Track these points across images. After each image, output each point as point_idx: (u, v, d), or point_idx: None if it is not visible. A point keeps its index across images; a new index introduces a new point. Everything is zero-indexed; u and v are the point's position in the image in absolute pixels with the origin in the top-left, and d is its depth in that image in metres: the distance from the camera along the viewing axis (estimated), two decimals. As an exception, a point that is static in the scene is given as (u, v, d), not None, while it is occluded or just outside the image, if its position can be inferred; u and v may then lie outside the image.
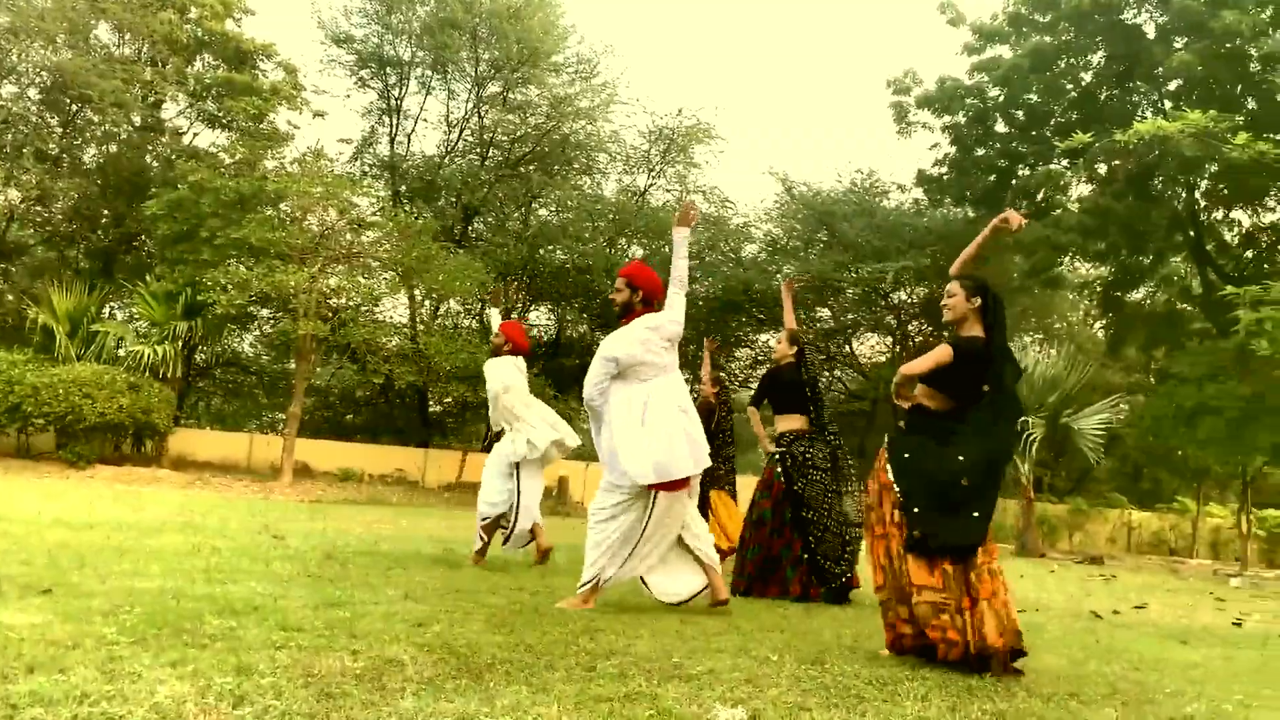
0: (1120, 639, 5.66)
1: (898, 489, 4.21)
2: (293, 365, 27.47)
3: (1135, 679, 4.17)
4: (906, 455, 4.27)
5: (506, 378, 7.07)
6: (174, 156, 23.36)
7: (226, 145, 23.34)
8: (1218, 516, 26.73)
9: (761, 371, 31.17)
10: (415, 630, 3.92)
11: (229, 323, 22.50)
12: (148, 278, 20.67)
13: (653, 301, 5.44)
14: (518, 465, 7.02)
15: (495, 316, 7.85)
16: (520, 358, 7.29)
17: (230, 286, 18.32)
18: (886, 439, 4.43)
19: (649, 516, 5.10)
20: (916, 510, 4.12)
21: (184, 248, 19.56)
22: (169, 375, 19.53)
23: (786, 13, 73.65)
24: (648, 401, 5.13)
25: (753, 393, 7.17)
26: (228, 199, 19.26)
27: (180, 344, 19.87)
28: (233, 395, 30.81)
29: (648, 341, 5.26)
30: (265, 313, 24.16)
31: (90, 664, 2.94)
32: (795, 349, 6.83)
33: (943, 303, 4.53)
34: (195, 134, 25.40)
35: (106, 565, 5.20)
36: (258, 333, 27.36)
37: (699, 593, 5.31)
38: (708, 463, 5.28)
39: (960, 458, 4.13)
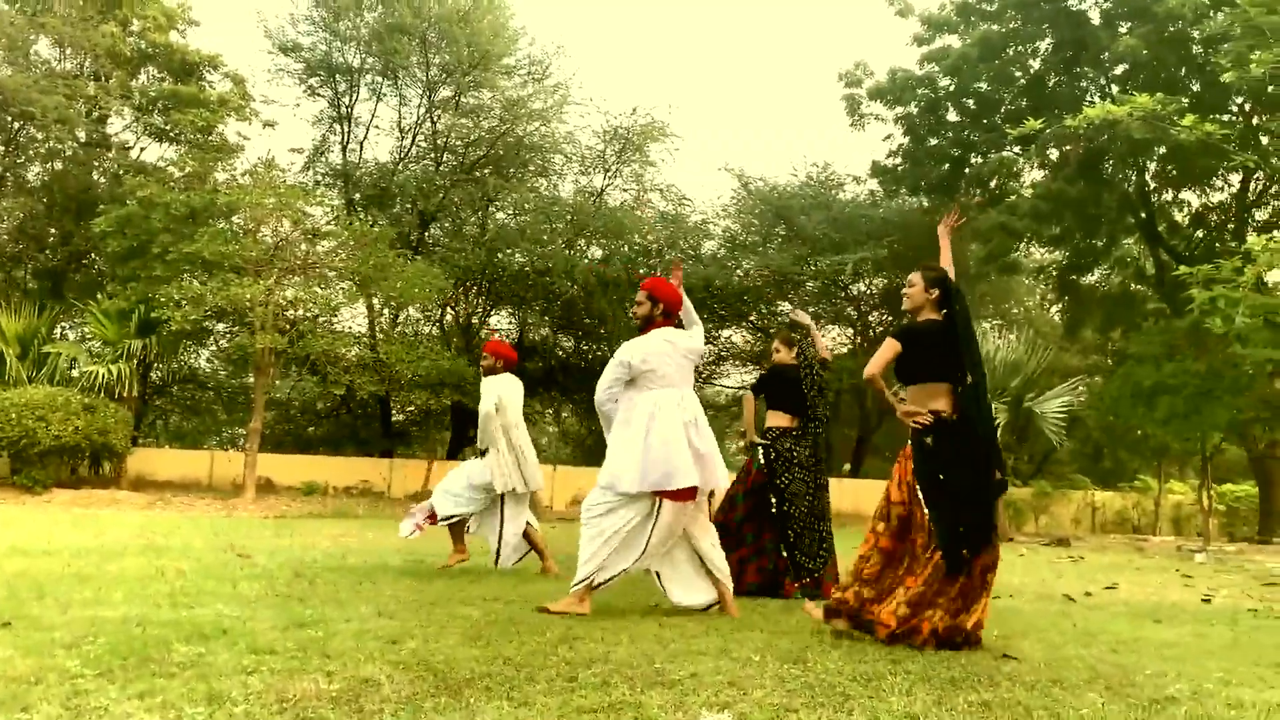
0: (1095, 621, 5.69)
1: (929, 508, 4.37)
2: (251, 379, 27.11)
3: (1114, 661, 4.18)
4: (941, 477, 4.37)
5: (503, 392, 6.97)
6: (121, 172, 22.93)
7: (175, 159, 22.95)
8: (1178, 493, 27.17)
9: (725, 368, 31.33)
10: (389, 647, 3.84)
11: (185, 339, 22.12)
12: (99, 296, 20.25)
13: (672, 314, 5.47)
14: (503, 495, 6.98)
15: None
16: (515, 377, 7.22)
17: (185, 302, 18.00)
18: (913, 445, 4.53)
19: (653, 526, 5.07)
20: (962, 530, 4.29)
21: (135, 264, 19.20)
22: (125, 395, 19.16)
23: (737, 8, 73.90)
24: (654, 412, 5.11)
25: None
26: (178, 213, 18.93)
27: (135, 362, 19.50)
28: (191, 412, 30.34)
29: (663, 353, 5.25)
30: (221, 327, 23.78)
31: (54, 700, 2.84)
32: (795, 350, 6.89)
33: (903, 291, 4.76)
34: (143, 148, 24.97)
35: (67, 594, 5.05)
36: (214, 348, 26.94)
37: (711, 605, 5.29)
38: (719, 483, 5.30)
39: (973, 460, 4.35)
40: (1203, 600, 7.41)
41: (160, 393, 27.80)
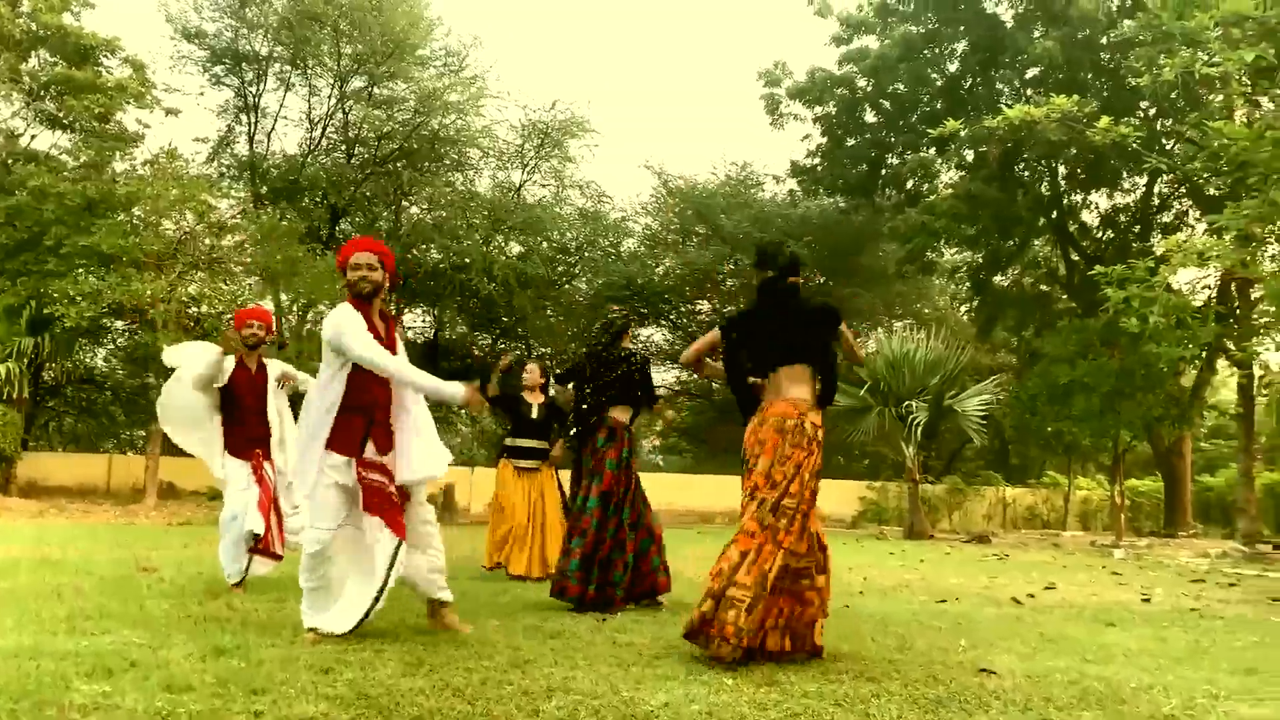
0: (1051, 626, 5.55)
1: None
2: (152, 379, 25.94)
3: (1095, 674, 4.00)
4: None
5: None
6: (10, 160, 21.66)
7: (70, 147, 21.79)
8: (1085, 489, 27.82)
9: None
10: (323, 679, 3.45)
11: (80, 337, 20.98)
12: (-15, 291, 19.07)
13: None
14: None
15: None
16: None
17: (80, 298, 17.05)
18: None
19: None
20: None
21: (26, 258, 18.12)
22: (14, 396, 18.09)
23: (658, 5, 73.79)
24: None
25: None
26: (73, 204, 17.92)
27: (26, 362, 18.42)
28: (87, 414, 28.92)
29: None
30: (120, 325, 22.67)
31: (-70, 762, 2.40)
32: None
33: None
34: (34, 136, 23.60)
35: (-51, 621, 4.52)
36: (112, 346, 25.72)
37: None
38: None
39: None
40: (1143, 600, 7.38)
41: (54, 394, 26.42)
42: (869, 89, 23.75)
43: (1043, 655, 4.47)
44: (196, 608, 5.16)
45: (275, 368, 6.38)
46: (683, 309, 28.54)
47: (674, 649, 4.27)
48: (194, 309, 19.24)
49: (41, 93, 21.98)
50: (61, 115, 21.75)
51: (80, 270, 17.58)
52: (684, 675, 3.65)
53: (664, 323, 28.90)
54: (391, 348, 4.53)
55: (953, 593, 7.33)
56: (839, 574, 8.55)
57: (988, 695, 3.49)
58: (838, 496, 24.68)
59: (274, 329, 6.27)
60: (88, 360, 26.10)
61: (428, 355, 26.70)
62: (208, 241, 19.44)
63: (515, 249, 26.00)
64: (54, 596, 5.43)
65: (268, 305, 22.92)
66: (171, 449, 16.65)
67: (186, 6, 24.27)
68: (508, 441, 7.81)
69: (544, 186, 27.14)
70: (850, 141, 24.60)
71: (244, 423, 6.21)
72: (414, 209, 26.40)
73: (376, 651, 4.00)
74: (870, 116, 24.51)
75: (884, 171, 24.32)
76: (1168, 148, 20.02)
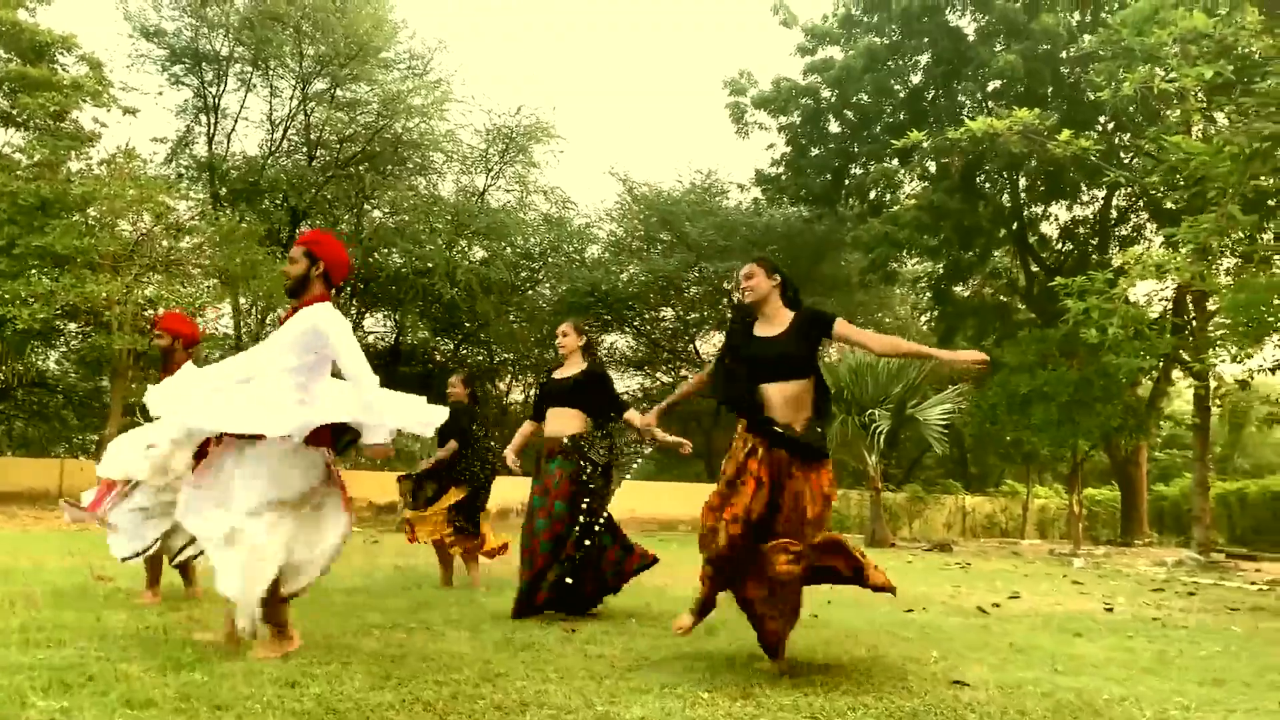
0: (1019, 635, 5.57)
1: None
2: (105, 383, 25.44)
3: (1067, 685, 4.00)
4: None
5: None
6: (-39, 158, 21.22)
7: (23, 145, 21.35)
8: (1042, 498, 28.16)
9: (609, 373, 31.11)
10: (289, 693, 3.37)
11: (32, 339, 20.55)
12: (-67, 291, 18.59)
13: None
14: None
15: None
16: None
17: (33, 299, 16.70)
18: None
19: None
20: None
21: (-24, 257, 17.72)
22: (-37, 399, 17.71)
23: (623, 11, 73.94)
24: None
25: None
26: (27, 204, 17.54)
27: (-25, 364, 18.05)
28: (38, 418, 28.34)
29: None
30: (73, 327, 22.25)
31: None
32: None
33: (744, 285, 4.39)
34: (-14, 133, 23.20)
35: (-105, 633, 4.36)
36: (64, 349, 25.22)
37: None
38: None
39: None
40: (1105, 609, 7.44)
41: (3, 397, 25.88)
42: (833, 99, 23.90)
43: (1013, 666, 4.47)
44: (154, 618, 5.03)
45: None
46: (646, 315, 28.52)
47: (645, 660, 4.22)
48: (150, 311, 18.92)
49: (-6, 90, 21.54)
50: (15, 113, 21.29)
51: (33, 271, 17.23)
52: (658, 689, 3.60)
53: (628, 329, 28.87)
54: None
55: (919, 602, 7.35)
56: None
57: (962, 708, 3.48)
58: (800, 504, 24.79)
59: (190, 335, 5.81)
60: (40, 363, 25.60)
61: (389, 360, 26.47)
62: (165, 243, 19.14)
63: (478, 254, 25.87)
64: (6, 607, 5.26)
65: (225, 308, 22.64)
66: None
67: (145, 4, 23.99)
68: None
69: (508, 191, 27.10)
70: (814, 151, 24.75)
71: None
72: (376, 212, 26.22)
73: (343, 664, 3.90)
74: (834, 126, 24.68)
75: (847, 181, 24.49)
76: (1126, 161, 20.32)
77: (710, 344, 30.51)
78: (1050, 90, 21.18)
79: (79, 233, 17.39)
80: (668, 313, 28.66)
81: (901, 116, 23.01)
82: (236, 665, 3.80)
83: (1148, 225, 22.96)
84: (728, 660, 4.32)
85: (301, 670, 3.72)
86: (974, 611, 6.86)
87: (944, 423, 17.43)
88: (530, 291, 27.96)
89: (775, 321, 4.29)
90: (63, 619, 4.87)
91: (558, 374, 6.11)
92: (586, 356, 6.09)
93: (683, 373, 30.79)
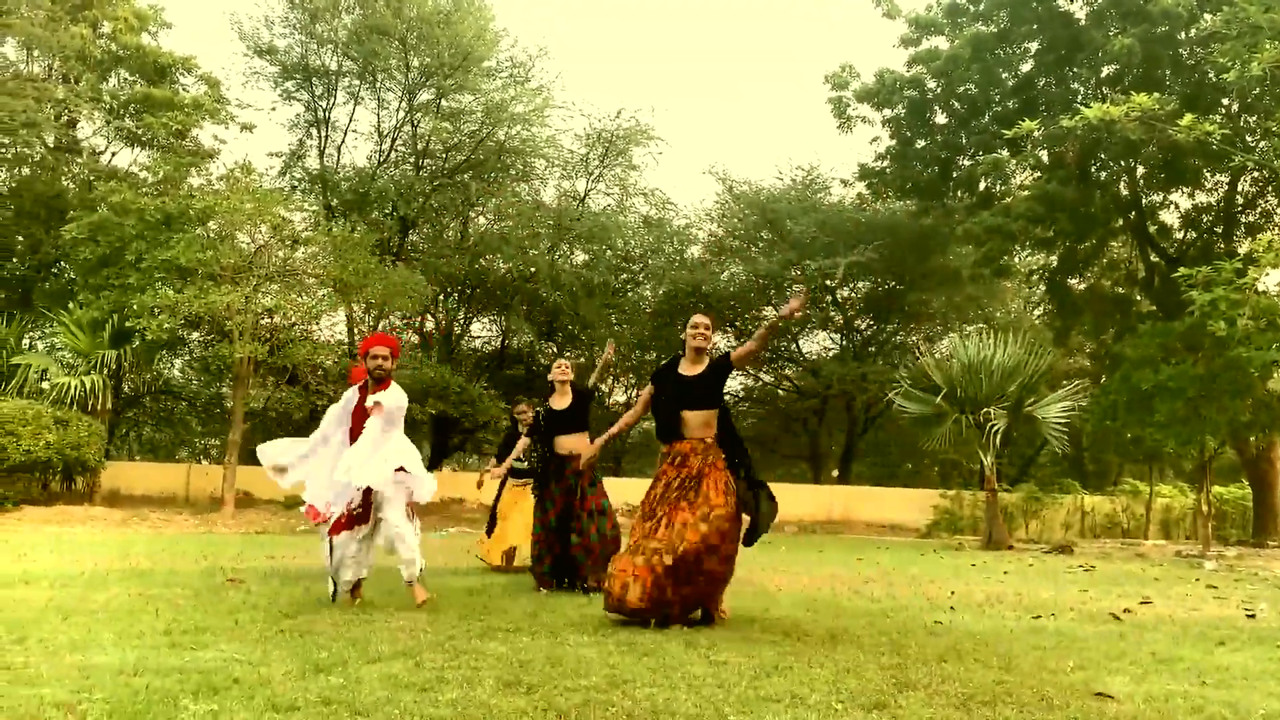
0: (1158, 644, 5.33)
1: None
2: (225, 389, 26.41)
3: (1217, 699, 3.81)
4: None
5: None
6: (92, 177, 22.28)
7: (148, 163, 22.32)
8: (1166, 496, 27.02)
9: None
10: (425, 697, 3.42)
11: (160, 349, 21.45)
12: (70, 305, 19.49)
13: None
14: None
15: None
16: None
17: (160, 311, 17.43)
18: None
19: None
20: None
21: (108, 272, 18.56)
22: (98, 407, 18.54)
23: (722, 10, 73.69)
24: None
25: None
26: (152, 219, 18.34)
27: (108, 373, 18.88)
28: (164, 424, 29.61)
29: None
30: (196, 336, 23.17)
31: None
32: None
33: (699, 333, 5.67)
34: (114, 153, 24.34)
35: (52, 635, 4.57)
36: (188, 357, 26.28)
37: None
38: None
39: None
40: (1247, 615, 7.08)
41: (132, 404, 27.09)
42: (939, 90, 23.37)
43: (1156, 677, 4.28)
44: (289, 622, 5.17)
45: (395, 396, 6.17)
46: (748, 315, 28.34)
47: (772, 668, 4.16)
48: (268, 320, 19.58)
49: (121, 111, 22.59)
50: (140, 132, 22.31)
51: (159, 284, 17.98)
52: (788, 698, 3.54)
53: (729, 329, 28.74)
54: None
55: (1046, 607, 7.11)
56: (928, 589, 8.38)
57: (1114, 724, 3.34)
58: (909, 505, 24.31)
59: (396, 355, 6.28)
60: (165, 371, 26.71)
61: (495, 364, 26.89)
62: (282, 254, 19.75)
63: (580, 257, 26.07)
64: (148, 610, 5.49)
65: (340, 315, 23.27)
66: (248, 458, 16.86)
67: (258, 24, 24.84)
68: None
69: (608, 195, 27.23)
70: (920, 143, 24.24)
71: None
72: (481, 219, 26.63)
73: (473, 669, 3.95)
74: (940, 118, 24.14)
75: (955, 173, 23.91)
76: (1253, 145, 19.41)
77: (815, 343, 30.18)
78: (1169, 73, 20.37)
79: (201, 246, 18.08)
80: (769, 312, 28.38)
81: (1011, 105, 22.39)
82: (373, 670, 3.88)
83: (1278, 211, 21.89)
84: (853, 667, 4.23)
85: (435, 675, 3.78)
86: (1106, 618, 6.60)
87: (1063, 420, 16.88)
88: (631, 293, 28.05)
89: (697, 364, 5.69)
90: (202, 621, 5.05)
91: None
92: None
93: (786, 372, 30.50)
